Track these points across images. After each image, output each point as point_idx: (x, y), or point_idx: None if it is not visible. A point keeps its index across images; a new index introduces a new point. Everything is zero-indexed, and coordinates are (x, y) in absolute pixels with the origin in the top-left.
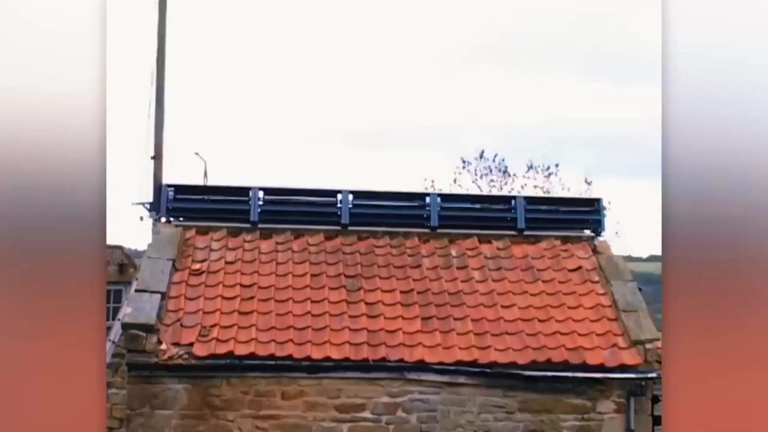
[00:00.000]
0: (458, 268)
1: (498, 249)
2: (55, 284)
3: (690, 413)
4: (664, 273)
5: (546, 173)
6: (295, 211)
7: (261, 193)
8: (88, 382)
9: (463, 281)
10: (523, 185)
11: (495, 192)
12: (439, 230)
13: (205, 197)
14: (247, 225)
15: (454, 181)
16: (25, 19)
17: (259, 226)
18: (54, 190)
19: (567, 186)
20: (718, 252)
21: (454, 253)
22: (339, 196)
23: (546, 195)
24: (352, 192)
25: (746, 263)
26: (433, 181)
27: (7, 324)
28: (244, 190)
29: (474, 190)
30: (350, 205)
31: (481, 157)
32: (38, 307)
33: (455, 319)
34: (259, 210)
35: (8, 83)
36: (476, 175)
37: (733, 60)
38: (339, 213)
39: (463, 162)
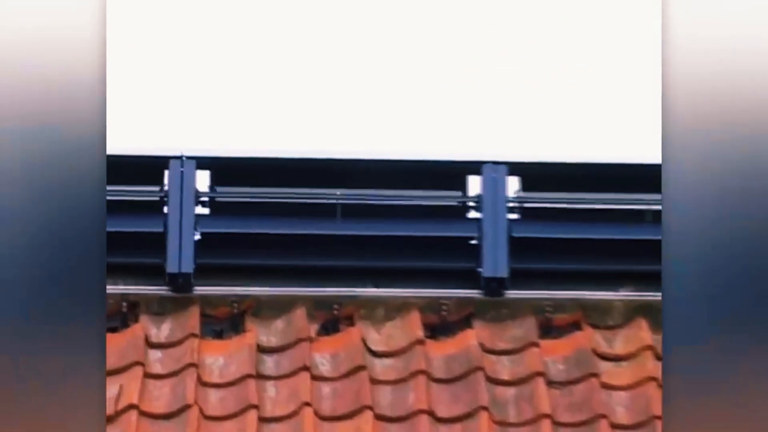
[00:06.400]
0: None
1: None
2: (53, 283)
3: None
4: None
5: None
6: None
7: (205, 178)
8: (87, 383)
9: None
10: None
11: None
12: None
13: None
14: (162, 288)
15: None
16: None
17: (196, 289)
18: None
19: None
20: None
21: None
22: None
23: None
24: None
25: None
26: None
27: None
28: (150, 166)
29: None
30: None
31: None
32: (35, 306)
33: None
34: (197, 236)
35: None
36: None
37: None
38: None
39: None
